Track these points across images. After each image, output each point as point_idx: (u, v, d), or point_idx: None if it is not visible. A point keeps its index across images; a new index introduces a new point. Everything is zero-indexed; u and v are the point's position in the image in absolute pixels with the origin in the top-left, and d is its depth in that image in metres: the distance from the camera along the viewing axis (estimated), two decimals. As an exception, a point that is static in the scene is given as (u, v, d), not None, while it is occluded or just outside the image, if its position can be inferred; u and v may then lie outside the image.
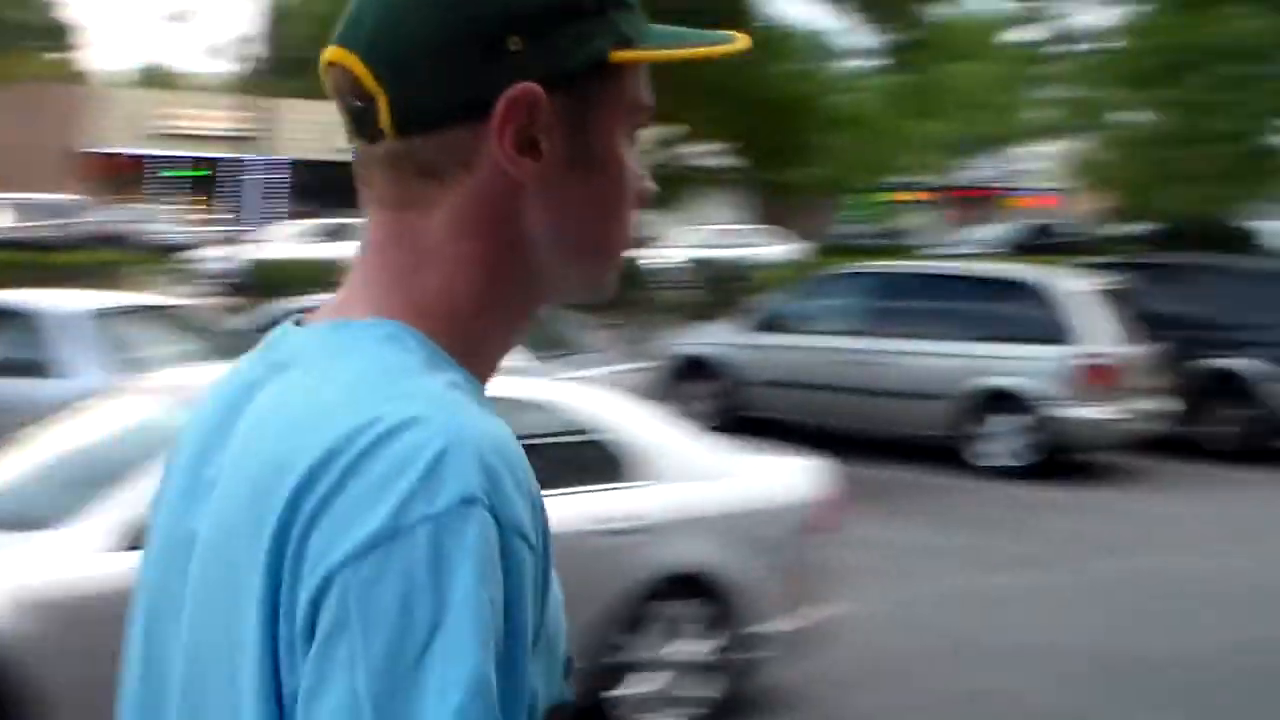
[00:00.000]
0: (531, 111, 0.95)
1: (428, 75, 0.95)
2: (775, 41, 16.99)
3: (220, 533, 0.92)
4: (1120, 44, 24.82)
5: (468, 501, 0.84)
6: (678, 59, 1.03)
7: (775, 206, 24.71)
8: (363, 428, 0.86)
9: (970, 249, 27.23)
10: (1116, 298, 11.43)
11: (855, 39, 17.39)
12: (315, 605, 0.83)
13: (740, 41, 1.04)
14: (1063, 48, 26.53)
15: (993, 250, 26.45)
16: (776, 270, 20.55)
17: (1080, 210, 36.76)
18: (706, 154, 19.47)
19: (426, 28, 0.95)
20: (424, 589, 0.82)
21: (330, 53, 0.98)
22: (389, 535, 0.83)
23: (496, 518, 0.85)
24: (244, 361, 1.03)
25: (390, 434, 0.86)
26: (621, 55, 0.99)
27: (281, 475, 0.87)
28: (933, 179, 41.41)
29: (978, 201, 47.02)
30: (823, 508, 5.71)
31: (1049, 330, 11.02)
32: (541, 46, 0.95)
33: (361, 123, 0.97)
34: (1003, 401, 11.08)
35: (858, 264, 14.65)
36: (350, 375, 0.91)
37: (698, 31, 1.04)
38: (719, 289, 18.13)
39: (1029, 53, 27.17)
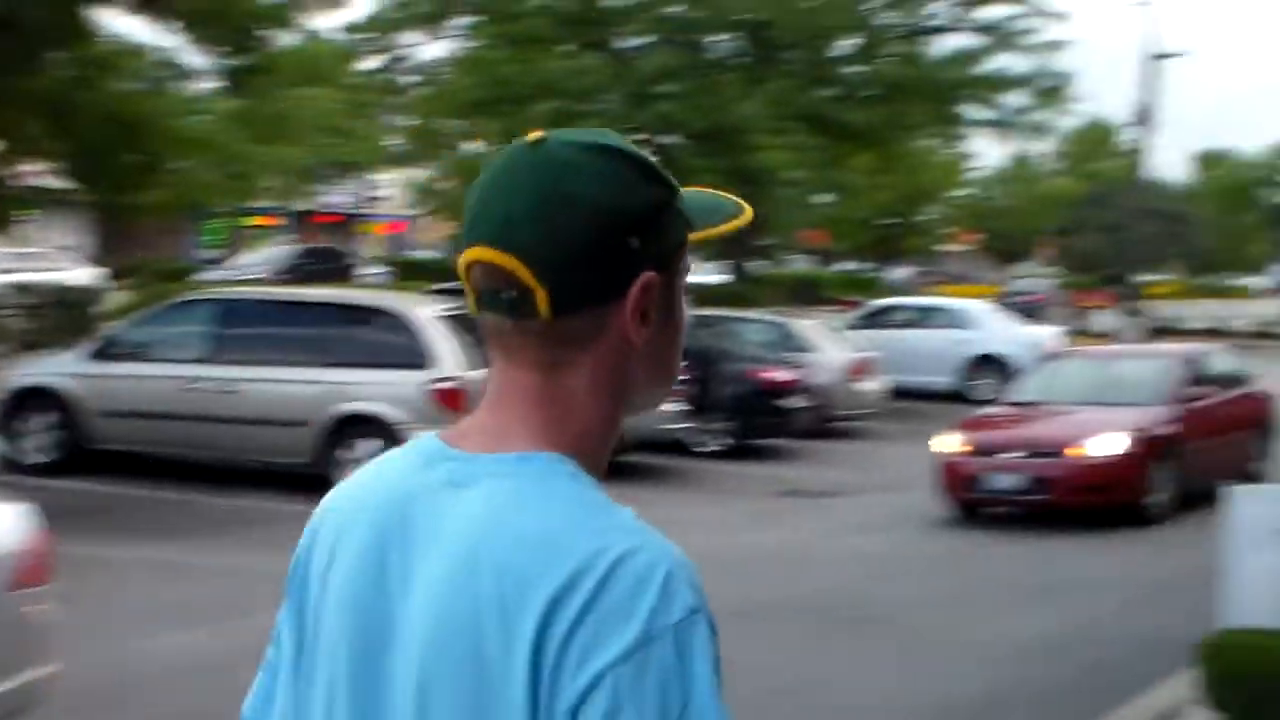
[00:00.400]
0: (649, 292, 1.26)
1: (580, 274, 1.23)
2: (115, 58, 16.27)
3: (448, 632, 1.18)
4: (454, 76, 26.24)
5: (694, 611, 1.15)
6: (723, 233, 1.34)
7: (117, 230, 23.56)
8: (597, 554, 1.15)
9: (249, 273, 26.61)
10: (461, 322, 12.09)
11: (198, 60, 17.00)
12: (582, 699, 1.12)
13: (748, 211, 1.36)
14: (407, 78, 27.64)
15: (264, 275, 26.08)
16: (118, 296, 19.67)
17: (429, 235, 38.31)
18: (39, 173, 18.25)
19: (577, 239, 1.22)
20: (675, 678, 1.13)
21: (480, 253, 1.25)
22: (644, 643, 1.12)
23: (709, 622, 1.17)
24: (394, 466, 1.31)
25: (622, 560, 1.15)
26: (694, 235, 1.31)
27: (526, 591, 1.15)
28: (288, 204, 41.32)
29: (335, 226, 47.61)
30: (28, 558, 4.99)
31: (406, 356, 11.32)
32: (652, 240, 1.26)
33: (516, 308, 1.24)
34: (363, 426, 11.20)
35: (204, 291, 14.45)
36: (562, 505, 1.20)
37: (724, 202, 1.36)
38: (46, 314, 16.95)
39: (377, 81, 28.00)
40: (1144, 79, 37.80)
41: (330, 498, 1.37)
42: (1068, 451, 11.69)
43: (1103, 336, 35.53)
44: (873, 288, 40.86)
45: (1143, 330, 36.25)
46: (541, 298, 1.24)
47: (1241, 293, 63.10)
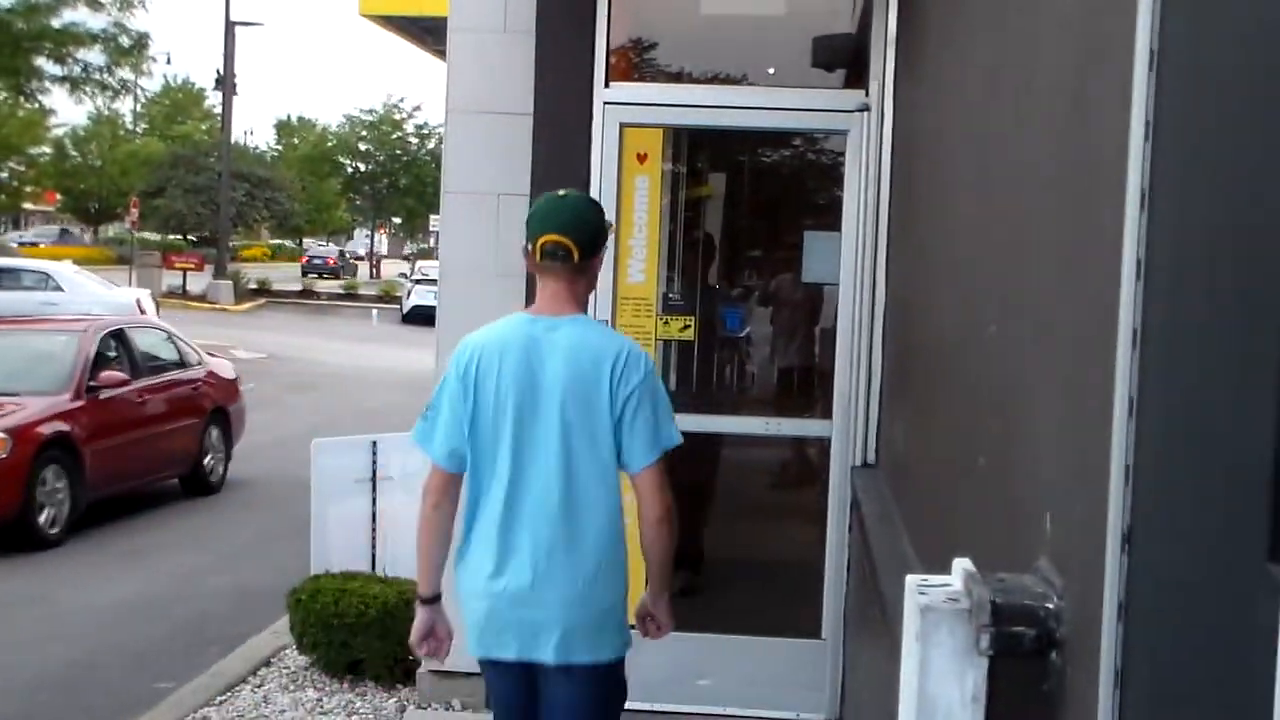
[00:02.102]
0: (599, 256, 3.52)
1: (588, 246, 3.40)
2: None
3: (578, 376, 3.29)
4: None
5: (651, 364, 3.41)
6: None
7: None
8: (622, 345, 3.38)
9: None
10: None
11: None
12: (627, 399, 3.29)
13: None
14: None
15: None
16: None
17: None
18: None
19: (587, 233, 3.40)
20: (660, 391, 3.37)
21: (552, 236, 3.36)
22: (645, 376, 3.33)
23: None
24: (513, 325, 3.39)
25: (631, 348, 3.37)
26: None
27: (601, 359, 3.31)
28: None
29: None
30: None
31: None
32: (604, 234, 3.50)
33: (565, 259, 3.36)
34: None
35: None
36: (602, 331, 3.55)
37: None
38: None
39: None
40: (225, 45, 38.35)
41: (480, 338, 3.39)
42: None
43: (197, 298, 35.80)
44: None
45: (235, 291, 37.04)
46: (576, 254, 3.36)
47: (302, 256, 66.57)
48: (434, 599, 3.52)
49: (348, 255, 60.41)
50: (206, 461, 11.71)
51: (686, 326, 5.62)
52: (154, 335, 12.21)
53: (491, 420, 3.31)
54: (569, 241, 3.34)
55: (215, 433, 11.91)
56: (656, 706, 5.06)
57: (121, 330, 11.42)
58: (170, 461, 11.32)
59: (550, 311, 3.36)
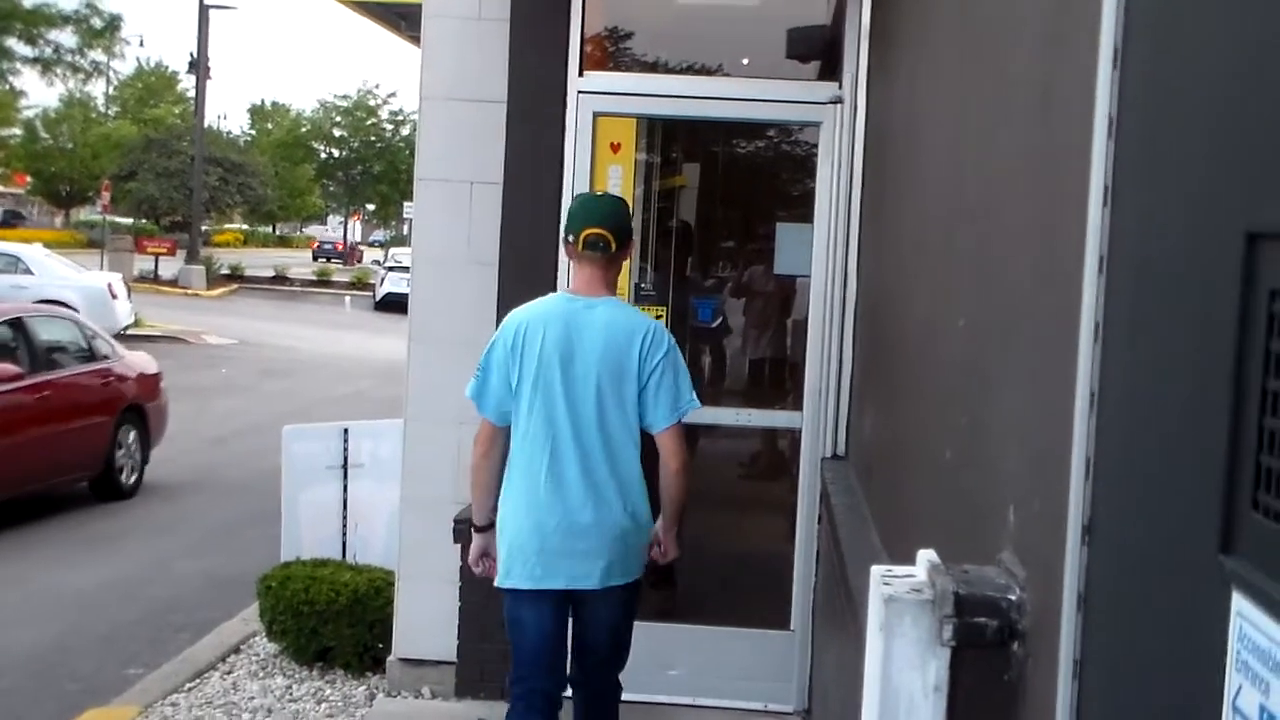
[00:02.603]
0: (631, 246, 4.17)
1: (621, 238, 4.01)
2: None
3: (612, 347, 3.90)
4: None
5: (673, 340, 4.01)
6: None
7: None
8: (649, 324, 3.99)
9: None
10: None
11: None
12: (653, 370, 3.90)
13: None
14: None
15: None
16: None
17: None
18: None
19: (622, 227, 4.03)
20: (680, 363, 3.97)
21: (593, 229, 3.97)
22: (669, 351, 3.94)
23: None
24: (555, 302, 4.01)
25: (656, 326, 3.99)
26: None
27: (633, 335, 3.92)
28: None
29: None
30: None
31: None
32: (631, 232, 4.11)
33: (603, 249, 3.97)
34: None
35: None
36: (632, 311, 4.11)
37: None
38: None
39: None
40: (199, 28, 38.09)
41: (525, 313, 3.96)
42: None
43: (170, 283, 35.58)
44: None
45: (207, 277, 36.83)
46: (613, 245, 3.97)
47: (305, 242, 66.44)
48: (488, 527, 4.11)
49: (354, 244, 61.34)
50: (119, 463, 10.66)
51: (659, 317, 5.62)
52: (60, 325, 11.07)
53: (535, 382, 3.90)
54: (608, 234, 3.97)
55: (131, 432, 10.86)
56: (627, 696, 5.07)
57: (20, 319, 10.27)
58: (74, 463, 10.22)
59: (587, 293, 3.98)
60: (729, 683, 5.44)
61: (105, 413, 10.60)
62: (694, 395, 3.97)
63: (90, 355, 10.88)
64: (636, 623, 4.16)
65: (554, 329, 3.89)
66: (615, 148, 5.40)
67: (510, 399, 3.94)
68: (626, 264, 4.99)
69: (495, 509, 4.02)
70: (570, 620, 4.04)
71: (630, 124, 5.49)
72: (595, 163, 5.34)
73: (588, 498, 3.86)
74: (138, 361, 11.54)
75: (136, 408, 11.02)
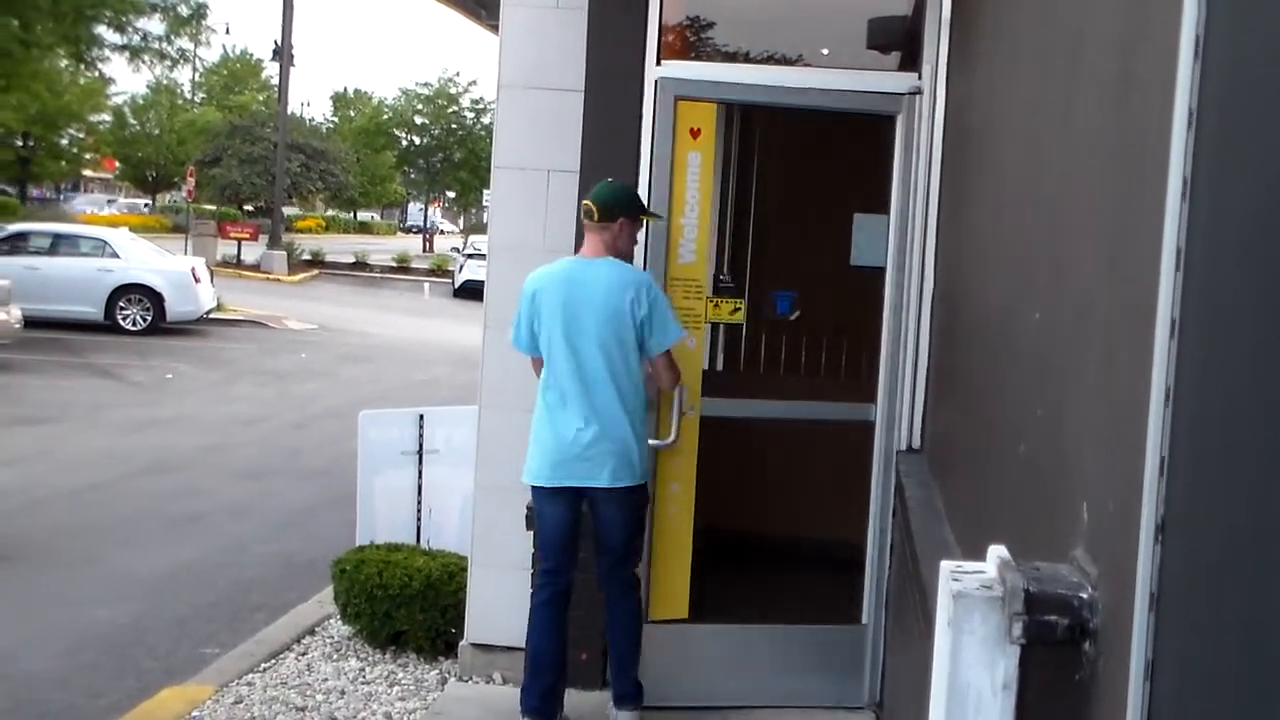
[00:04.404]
0: (623, 224, 4.95)
1: (605, 209, 4.89)
2: None
3: (610, 297, 4.80)
4: None
5: (658, 290, 4.92)
6: (645, 215, 5.08)
7: None
8: (641, 278, 4.87)
9: None
10: None
11: None
12: (646, 315, 4.81)
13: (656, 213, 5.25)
14: None
15: None
16: None
17: None
18: None
19: (608, 200, 4.91)
20: (663, 305, 4.87)
21: (588, 202, 4.92)
22: (657, 297, 4.86)
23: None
24: (562, 265, 4.94)
25: (648, 280, 4.90)
26: (641, 215, 5.05)
27: (626, 285, 4.81)
28: None
29: None
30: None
31: None
32: (623, 210, 4.94)
33: (591, 216, 4.90)
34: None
35: None
36: (625, 269, 4.89)
37: (638, 201, 5.06)
38: None
39: None
40: (283, 17, 38.55)
41: (540, 273, 4.94)
42: None
43: (251, 268, 36.12)
44: (16, 212, 37.73)
45: (288, 262, 37.33)
46: (596, 214, 4.88)
47: (385, 229, 67.19)
48: None
49: (435, 225, 62.57)
50: None
51: (736, 310, 5.58)
52: None
53: (550, 329, 4.87)
54: (592, 205, 4.92)
55: None
56: (694, 703, 5.09)
57: None
58: None
59: (589, 255, 4.94)
60: (800, 682, 5.41)
61: None
62: (680, 328, 4.96)
63: None
64: (700, 628, 5.09)
65: (564, 285, 4.87)
66: (695, 133, 5.37)
67: (536, 342, 4.97)
68: (680, 258, 5.01)
69: (536, 423, 5.06)
70: (593, 522, 5.00)
71: (711, 110, 5.42)
72: (675, 148, 5.32)
73: (594, 418, 4.84)
74: None
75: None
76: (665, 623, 5.35)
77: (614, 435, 4.86)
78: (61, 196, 51.81)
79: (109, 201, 53.85)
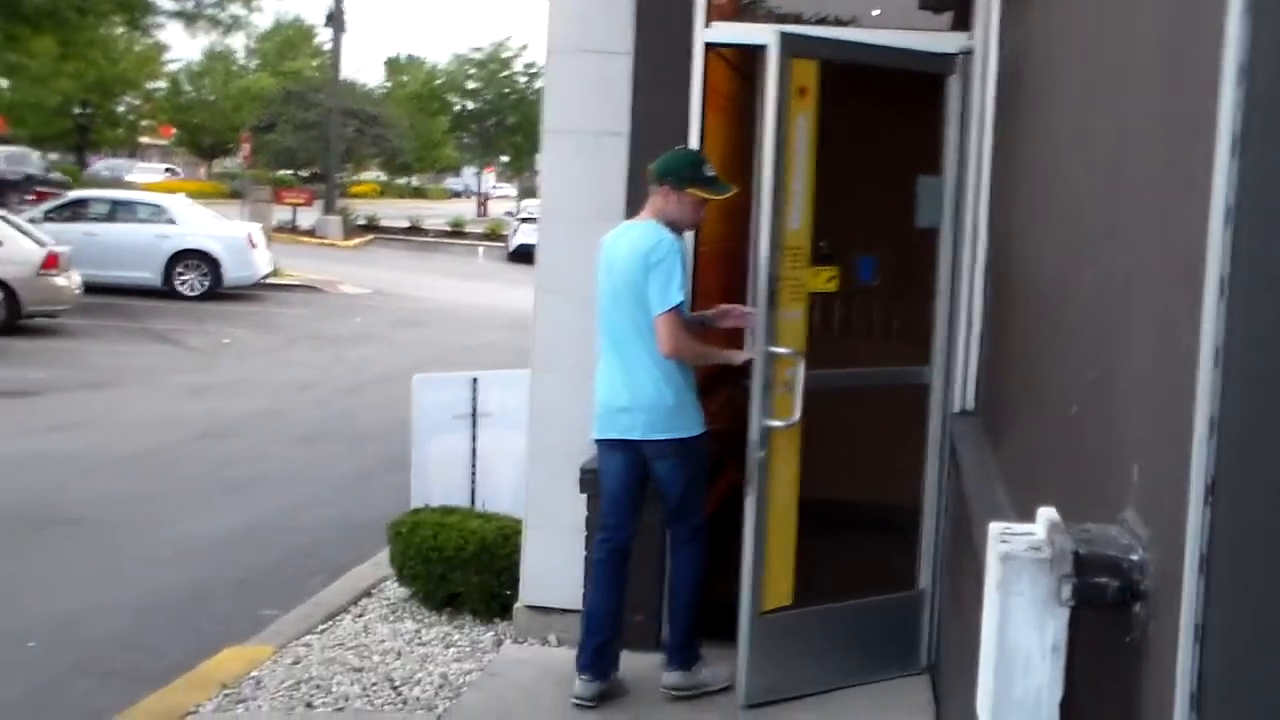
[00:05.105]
0: (669, 189, 5.04)
1: (654, 175, 5.06)
2: None
3: (628, 260, 4.97)
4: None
5: (671, 250, 4.94)
6: (710, 198, 5.11)
7: None
8: (656, 240, 4.95)
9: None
10: None
11: None
12: (649, 274, 4.90)
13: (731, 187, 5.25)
14: None
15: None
16: None
17: None
18: None
19: (660, 168, 5.05)
20: (673, 269, 4.91)
21: (652, 172, 5.08)
22: (665, 258, 4.91)
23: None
24: (614, 230, 5.18)
25: (660, 239, 4.95)
26: (691, 190, 5.05)
27: (643, 247, 4.95)
28: None
29: None
30: None
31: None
32: (673, 177, 5.03)
33: (650, 180, 5.08)
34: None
35: None
36: (646, 229, 5.02)
37: (713, 178, 5.08)
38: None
39: None
40: (337, -18, 38.63)
41: (604, 239, 5.16)
42: None
43: (307, 233, 36.40)
44: (77, 180, 38.21)
45: (344, 227, 37.58)
46: (653, 179, 5.06)
47: (439, 194, 67.39)
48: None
49: (482, 191, 61.23)
50: None
51: (832, 278, 5.34)
52: None
53: (598, 289, 5.12)
54: (648, 171, 5.09)
55: None
56: (781, 695, 5.04)
57: None
58: None
59: (638, 219, 5.12)
60: (867, 656, 5.32)
61: None
62: (678, 293, 4.89)
63: None
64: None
65: (607, 248, 5.10)
66: (802, 92, 5.00)
67: None
68: (791, 223, 4.96)
69: (596, 382, 5.28)
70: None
71: (812, 67, 5.01)
72: (785, 109, 4.92)
73: (623, 373, 5.03)
74: None
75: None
76: (772, 613, 5.14)
77: (641, 391, 5.01)
78: (135, 157, 52.32)
79: (166, 170, 54.35)
